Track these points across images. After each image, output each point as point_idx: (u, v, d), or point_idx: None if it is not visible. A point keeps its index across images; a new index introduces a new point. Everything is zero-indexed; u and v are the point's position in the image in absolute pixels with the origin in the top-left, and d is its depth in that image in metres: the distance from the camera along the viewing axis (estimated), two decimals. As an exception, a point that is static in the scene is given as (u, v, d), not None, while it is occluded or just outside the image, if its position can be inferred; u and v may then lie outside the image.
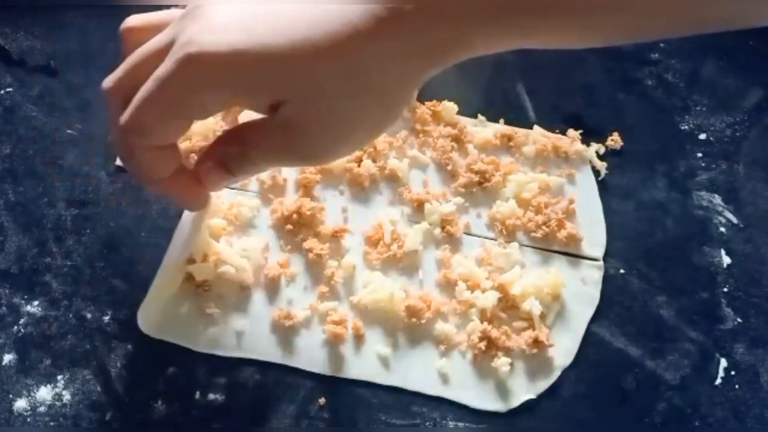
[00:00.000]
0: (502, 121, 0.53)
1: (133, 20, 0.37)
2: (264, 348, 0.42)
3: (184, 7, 0.35)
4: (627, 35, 0.35)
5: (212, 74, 0.32)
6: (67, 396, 0.40)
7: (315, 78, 0.32)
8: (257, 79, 0.32)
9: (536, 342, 0.43)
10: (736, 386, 0.43)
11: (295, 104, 0.33)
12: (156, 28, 0.35)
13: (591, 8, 0.31)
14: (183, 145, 0.49)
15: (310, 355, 0.42)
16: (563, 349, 0.43)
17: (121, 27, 0.37)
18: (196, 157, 0.48)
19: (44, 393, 0.40)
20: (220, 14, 0.33)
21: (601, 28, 0.33)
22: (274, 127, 0.34)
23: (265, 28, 0.32)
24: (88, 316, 0.43)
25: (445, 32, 0.31)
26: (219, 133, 0.49)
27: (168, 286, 0.43)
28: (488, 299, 0.44)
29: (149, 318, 0.42)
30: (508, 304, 0.44)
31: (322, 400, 0.41)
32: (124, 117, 0.34)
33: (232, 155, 0.36)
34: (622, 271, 0.47)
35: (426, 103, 0.52)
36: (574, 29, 0.33)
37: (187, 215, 0.44)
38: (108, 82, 0.36)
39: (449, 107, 0.52)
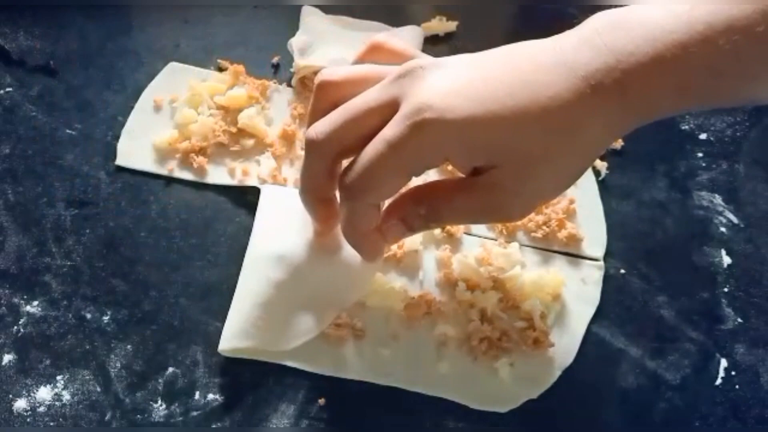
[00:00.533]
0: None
1: (331, 75, 0.37)
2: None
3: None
4: None
5: (446, 140, 0.34)
6: (66, 396, 0.40)
7: (529, 143, 0.34)
8: (482, 145, 0.34)
9: (536, 342, 0.43)
10: (737, 386, 0.43)
11: (506, 167, 0.34)
12: (353, 84, 0.37)
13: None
14: (183, 145, 0.49)
15: (310, 355, 0.42)
16: (563, 349, 0.43)
17: (317, 80, 0.38)
18: (195, 157, 0.48)
19: (44, 393, 0.40)
20: (442, 79, 0.34)
21: None
22: (477, 189, 0.35)
23: (489, 96, 0.33)
24: (88, 316, 0.43)
25: (642, 104, 0.34)
26: (218, 135, 0.49)
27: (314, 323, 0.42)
28: (488, 299, 0.44)
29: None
30: (509, 304, 0.44)
31: (322, 400, 0.41)
32: (352, 176, 0.35)
33: (418, 215, 0.37)
34: (622, 271, 0.47)
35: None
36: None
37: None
38: (318, 133, 0.36)
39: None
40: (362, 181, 0.35)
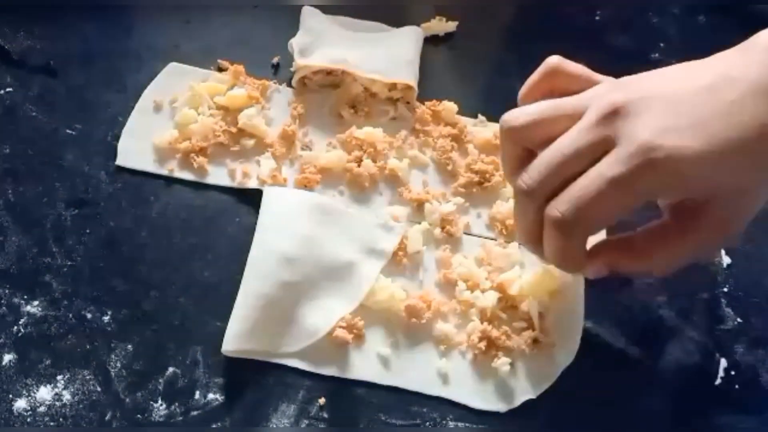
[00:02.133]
0: (502, 121, 0.53)
1: (516, 119, 0.38)
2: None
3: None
4: None
5: (672, 178, 0.34)
6: (67, 396, 0.40)
7: (741, 175, 0.35)
8: (704, 180, 0.35)
9: (536, 342, 0.43)
10: (736, 386, 0.43)
11: (719, 201, 0.36)
12: (541, 126, 0.37)
13: None
14: (183, 145, 0.49)
15: (310, 355, 0.42)
16: (563, 349, 0.43)
17: (503, 126, 0.39)
18: (195, 157, 0.48)
19: (44, 393, 0.40)
20: (654, 115, 0.34)
21: None
22: (692, 226, 0.37)
23: (706, 132, 0.34)
24: (88, 316, 0.43)
25: None
26: (219, 135, 0.49)
27: None
28: (488, 299, 0.44)
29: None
30: (508, 304, 0.44)
31: (322, 400, 0.41)
32: (568, 212, 0.35)
33: (623, 262, 0.39)
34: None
35: (426, 102, 0.53)
36: None
37: None
38: (530, 182, 0.37)
39: (449, 107, 0.52)
40: (583, 218, 0.35)
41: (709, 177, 0.34)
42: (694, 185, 0.35)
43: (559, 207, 0.36)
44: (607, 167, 0.34)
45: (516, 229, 0.40)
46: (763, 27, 0.35)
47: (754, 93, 0.34)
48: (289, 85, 0.54)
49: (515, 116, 0.38)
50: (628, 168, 0.34)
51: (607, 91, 0.37)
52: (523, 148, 0.38)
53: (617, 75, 0.39)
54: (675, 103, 0.35)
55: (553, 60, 0.40)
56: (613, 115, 0.35)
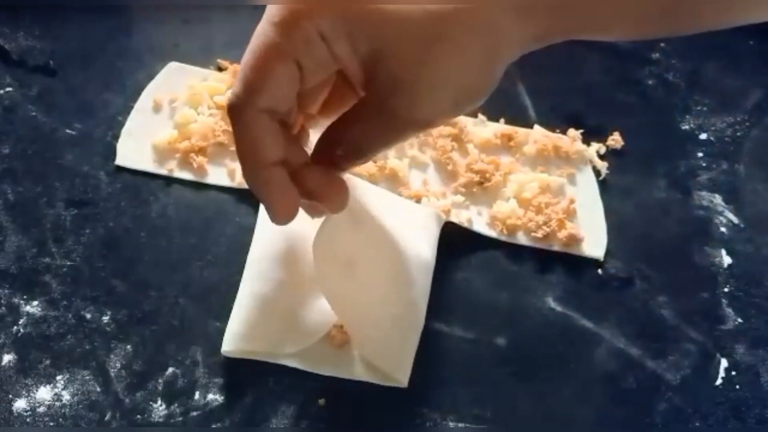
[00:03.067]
0: (502, 120, 0.53)
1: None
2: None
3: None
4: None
5: (317, 10, 0.30)
6: (66, 396, 0.40)
7: (418, 19, 0.30)
8: (361, 24, 0.30)
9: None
10: (737, 386, 0.43)
11: (395, 54, 0.30)
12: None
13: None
14: (183, 145, 0.49)
15: (310, 355, 0.42)
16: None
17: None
18: (195, 157, 0.48)
19: (44, 393, 0.40)
20: None
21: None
22: (376, 99, 0.32)
23: None
24: (88, 316, 0.43)
25: (542, 20, 0.31)
26: (218, 135, 0.49)
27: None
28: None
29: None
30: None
31: (322, 401, 0.41)
32: (237, 91, 0.31)
33: (339, 156, 0.34)
34: (622, 271, 0.47)
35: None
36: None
37: None
38: (234, 93, 0.32)
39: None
40: (246, 93, 0.31)
41: (367, 20, 0.30)
42: (349, 32, 0.30)
43: (233, 90, 0.32)
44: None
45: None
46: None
47: None
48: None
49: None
50: (275, 31, 0.30)
51: None
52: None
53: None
54: None
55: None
56: None
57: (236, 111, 0.32)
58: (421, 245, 0.44)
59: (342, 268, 0.40)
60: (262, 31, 0.31)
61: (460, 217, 0.48)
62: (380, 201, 0.44)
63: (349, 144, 0.33)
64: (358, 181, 0.44)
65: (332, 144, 0.34)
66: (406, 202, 0.47)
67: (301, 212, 0.44)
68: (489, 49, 0.31)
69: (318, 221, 0.42)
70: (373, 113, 0.32)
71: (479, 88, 0.33)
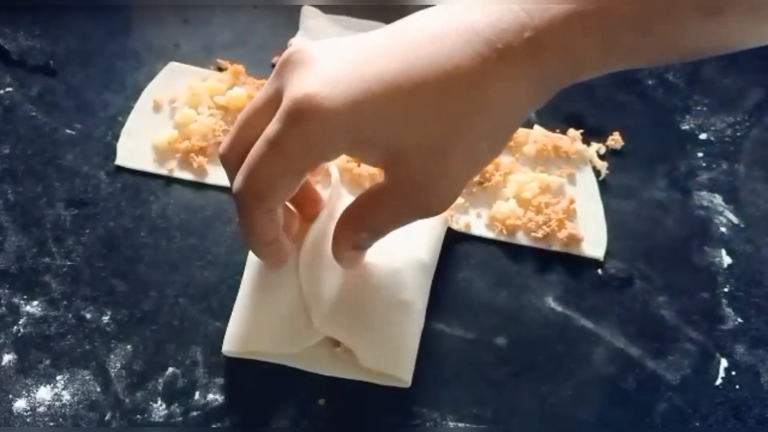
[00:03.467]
0: (502, 120, 0.53)
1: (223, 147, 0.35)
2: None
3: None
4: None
5: (327, 133, 0.30)
6: (66, 396, 0.40)
7: (427, 127, 0.31)
8: (373, 135, 0.31)
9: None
10: (737, 386, 0.43)
11: (410, 159, 0.31)
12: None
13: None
14: (183, 145, 0.49)
15: (310, 355, 0.42)
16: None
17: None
18: (195, 157, 0.48)
19: (44, 393, 0.40)
20: (327, 64, 0.31)
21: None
22: (395, 190, 0.33)
23: (375, 78, 0.30)
24: (88, 316, 0.43)
25: (562, 66, 0.31)
26: (218, 135, 0.49)
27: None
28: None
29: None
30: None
31: (322, 401, 0.41)
32: (237, 184, 0.33)
33: (363, 239, 0.35)
34: (622, 271, 0.47)
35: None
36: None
37: None
38: (222, 148, 0.35)
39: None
40: (250, 186, 0.32)
41: (378, 130, 0.30)
42: (360, 141, 0.31)
43: (237, 179, 0.33)
44: (269, 127, 0.31)
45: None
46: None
47: (455, 30, 0.29)
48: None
49: (221, 148, 0.35)
50: (279, 125, 0.31)
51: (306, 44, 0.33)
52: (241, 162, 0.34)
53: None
54: (361, 48, 0.31)
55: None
56: (285, 64, 0.32)
57: (241, 205, 0.34)
58: (417, 246, 0.44)
59: (329, 276, 0.41)
60: (263, 152, 0.32)
61: (459, 223, 0.48)
62: None
63: (374, 229, 0.35)
64: (348, 196, 0.44)
65: (357, 229, 0.35)
66: None
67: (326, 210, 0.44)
68: (502, 137, 0.33)
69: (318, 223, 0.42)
70: (397, 202, 0.33)
71: (486, 164, 0.35)
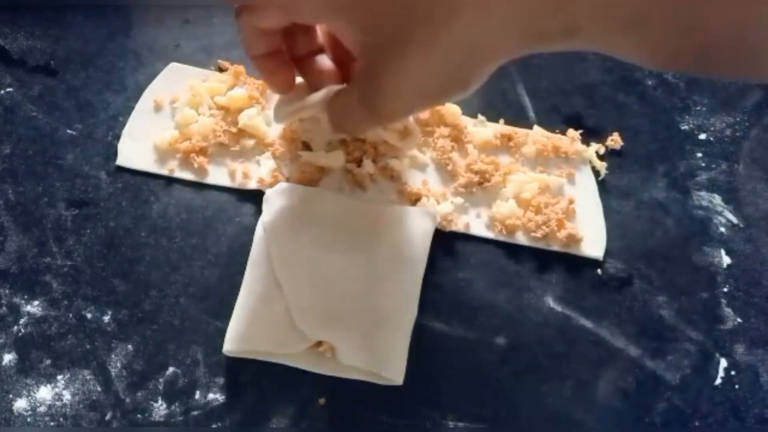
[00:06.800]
0: (502, 121, 0.53)
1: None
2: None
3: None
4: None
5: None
6: (67, 396, 0.40)
7: (395, 17, 0.32)
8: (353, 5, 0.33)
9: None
10: (736, 386, 0.44)
11: (373, 53, 0.33)
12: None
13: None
14: (183, 145, 0.49)
15: (310, 355, 0.42)
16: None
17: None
18: (196, 157, 0.48)
19: (44, 393, 0.40)
20: None
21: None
22: (356, 73, 0.36)
23: None
24: (88, 316, 0.43)
25: (554, 21, 0.30)
26: (219, 135, 0.49)
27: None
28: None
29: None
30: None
31: (322, 400, 0.41)
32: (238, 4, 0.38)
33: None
34: (622, 271, 0.47)
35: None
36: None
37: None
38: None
39: (453, 110, 0.52)
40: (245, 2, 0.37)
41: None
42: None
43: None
44: None
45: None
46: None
47: None
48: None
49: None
50: None
51: None
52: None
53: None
54: None
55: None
56: None
57: (236, 14, 0.39)
58: (400, 243, 0.44)
59: (308, 276, 0.41)
60: None
61: (458, 223, 0.48)
62: (352, 210, 0.45)
63: (332, 115, 0.39)
64: (328, 193, 0.45)
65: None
66: (397, 207, 0.47)
67: (299, 216, 0.44)
68: (461, 56, 0.32)
69: (320, 225, 0.42)
70: (354, 87, 0.37)
71: (447, 91, 0.34)
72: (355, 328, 0.41)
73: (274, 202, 0.46)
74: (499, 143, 0.51)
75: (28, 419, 0.39)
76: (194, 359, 0.42)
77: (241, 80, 0.52)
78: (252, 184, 0.48)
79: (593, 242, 0.48)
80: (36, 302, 0.43)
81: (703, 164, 0.53)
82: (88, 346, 0.42)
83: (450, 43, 0.31)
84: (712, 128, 0.55)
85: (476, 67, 0.33)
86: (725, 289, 0.47)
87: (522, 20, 0.30)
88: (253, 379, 0.41)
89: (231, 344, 0.41)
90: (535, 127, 0.53)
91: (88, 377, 0.41)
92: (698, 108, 0.55)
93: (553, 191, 0.50)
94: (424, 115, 0.52)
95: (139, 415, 0.40)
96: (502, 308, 0.45)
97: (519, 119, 0.53)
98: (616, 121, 0.54)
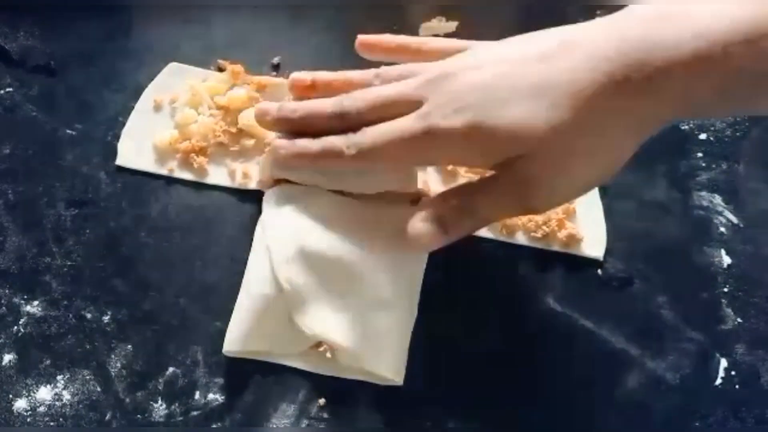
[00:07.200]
0: (502, 121, 0.53)
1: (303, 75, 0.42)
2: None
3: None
4: None
5: (451, 146, 0.36)
6: (67, 396, 0.40)
7: (552, 136, 0.34)
8: (494, 148, 0.35)
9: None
10: (736, 386, 0.43)
11: (537, 157, 0.35)
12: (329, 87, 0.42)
13: None
14: (183, 145, 0.49)
15: (310, 355, 0.42)
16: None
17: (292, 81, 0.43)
18: (196, 157, 0.48)
19: (44, 393, 0.40)
20: (465, 83, 0.36)
21: None
22: (508, 179, 0.36)
23: (510, 95, 0.34)
24: (88, 316, 0.43)
25: (678, 101, 0.33)
26: (219, 135, 0.49)
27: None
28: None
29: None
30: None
31: (322, 400, 0.41)
32: (365, 140, 0.38)
33: (451, 207, 0.38)
34: (622, 271, 0.47)
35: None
36: None
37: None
38: (355, 105, 0.39)
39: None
40: (383, 151, 0.37)
41: (496, 145, 0.35)
42: (485, 152, 0.36)
43: (358, 137, 0.38)
44: (405, 120, 0.37)
45: (292, 154, 0.42)
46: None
47: (585, 57, 0.33)
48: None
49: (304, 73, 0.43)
50: (415, 126, 0.36)
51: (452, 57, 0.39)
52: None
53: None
54: (490, 62, 0.36)
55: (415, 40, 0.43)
56: (430, 81, 0.37)
57: (358, 159, 0.39)
58: (399, 244, 0.43)
59: (309, 274, 0.41)
60: (404, 138, 0.37)
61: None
62: (352, 210, 0.44)
63: (468, 205, 0.38)
64: (328, 193, 0.44)
65: (449, 197, 0.39)
66: (397, 207, 0.47)
67: (299, 216, 0.44)
68: (618, 159, 0.36)
69: (321, 225, 0.42)
70: (503, 191, 0.37)
71: (605, 178, 0.38)
72: (355, 327, 0.41)
73: (274, 202, 0.46)
74: (499, 143, 0.51)
75: (28, 419, 0.39)
76: (194, 359, 0.42)
77: (240, 80, 0.52)
78: (252, 184, 0.48)
79: (593, 242, 0.48)
80: (36, 302, 0.43)
81: (704, 164, 0.53)
82: (87, 347, 0.42)
83: (610, 145, 0.35)
84: (712, 128, 0.55)
85: (631, 151, 0.36)
86: (725, 289, 0.47)
87: (677, 101, 0.33)
88: (253, 379, 0.41)
89: (231, 344, 0.41)
90: (535, 127, 0.52)
91: (87, 377, 0.41)
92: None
93: (553, 191, 0.50)
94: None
95: (139, 416, 0.40)
96: (502, 308, 0.45)
97: (519, 119, 0.53)
98: (616, 121, 0.54)
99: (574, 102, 0.33)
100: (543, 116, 0.33)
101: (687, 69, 0.31)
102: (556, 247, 0.48)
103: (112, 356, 0.41)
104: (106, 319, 0.43)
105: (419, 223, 0.38)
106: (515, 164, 0.35)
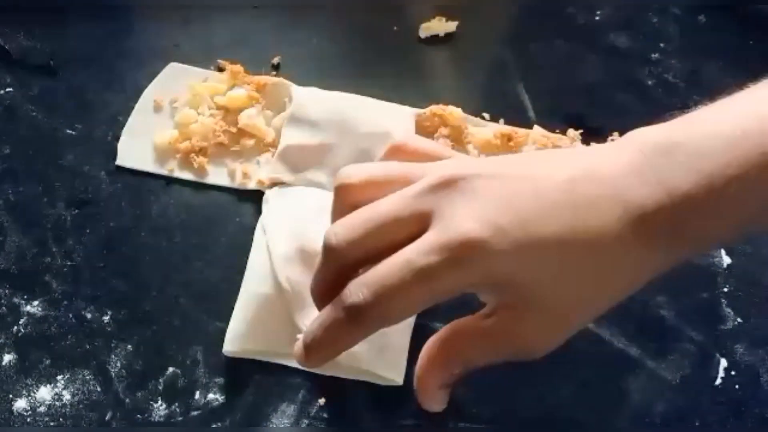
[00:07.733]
0: (502, 121, 0.53)
1: (349, 177, 0.34)
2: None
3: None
4: None
5: (486, 275, 0.30)
6: (67, 396, 0.40)
7: (564, 267, 0.31)
8: (518, 278, 0.31)
9: None
10: (736, 386, 0.43)
11: (529, 292, 0.31)
12: (376, 186, 0.33)
13: None
14: (183, 145, 0.49)
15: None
16: None
17: (336, 182, 0.34)
18: (196, 157, 0.48)
19: (44, 393, 0.40)
20: (489, 199, 0.30)
21: None
22: (500, 328, 0.33)
23: (536, 231, 0.30)
24: (88, 316, 0.43)
25: (685, 246, 0.33)
26: (219, 135, 0.49)
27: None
28: None
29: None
30: None
31: (322, 400, 0.41)
32: (365, 298, 0.30)
33: (453, 375, 0.34)
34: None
35: (432, 106, 0.52)
36: None
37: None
38: (338, 239, 0.32)
39: (453, 110, 0.52)
40: (381, 309, 0.31)
41: (525, 275, 0.31)
42: (505, 283, 0.31)
43: (359, 290, 0.31)
44: (415, 253, 0.30)
45: (312, 284, 0.35)
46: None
47: (607, 197, 0.31)
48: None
49: (349, 173, 0.34)
50: (435, 259, 0.30)
51: (447, 162, 0.33)
52: (353, 207, 0.33)
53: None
54: (515, 191, 0.31)
55: (399, 138, 0.37)
56: (440, 186, 0.31)
57: (355, 323, 0.32)
58: None
59: (306, 279, 0.41)
60: (406, 279, 0.30)
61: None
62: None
63: (468, 364, 0.34)
64: (328, 193, 0.44)
65: (449, 366, 0.34)
66: None
67: (299, 215, 0.44)
68: (616, 301, 0.34)
69: (321, 225, 0.42)
70: (501, 339, 0.33)
71: (596, 317, 0.35)
72: None
73: (274, 202, 0.46)
74: (499, 143, 0.51)
75: (28, 419, 0.39)
76: (194, 359, 0.42)
77: (240, 80, 0.52)
78: (252, 184, 0.48)
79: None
80: (36, 302, 0.43)
81: (704, 164, 0.53)
82: (87, 346, 0.42)
83: (615, 291, 0.33)
84: (712, 128, 0.54)
85: (631, 293, 0.35)
86: (725, 289, 0.47)
87: (659, 251, 0.33)
88: (253, 379, 0.41)
89: (231, 344, 0.41)
90: (535, 126, 0.52)
91: (88, 377, 0.41)
92: (698, 108, 0.55)
93: (553, 191, 0.50)
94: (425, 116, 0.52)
95: (139, 415, 0.40)
96: (502, 308, 0.45)
97: (519, 119, 0.53)
98: (616, 120, 0.54)
99: (593, 242, 0.31)
100: (565, 247, 0.31)
101: (703, 209, 0.31)
102: (556, 247, 0.48)
103: (112, 356, 0.41)
104: (106, 319, 0.43)
105: (433, 397, 0.35)
106: (523, 309, 0.32)
